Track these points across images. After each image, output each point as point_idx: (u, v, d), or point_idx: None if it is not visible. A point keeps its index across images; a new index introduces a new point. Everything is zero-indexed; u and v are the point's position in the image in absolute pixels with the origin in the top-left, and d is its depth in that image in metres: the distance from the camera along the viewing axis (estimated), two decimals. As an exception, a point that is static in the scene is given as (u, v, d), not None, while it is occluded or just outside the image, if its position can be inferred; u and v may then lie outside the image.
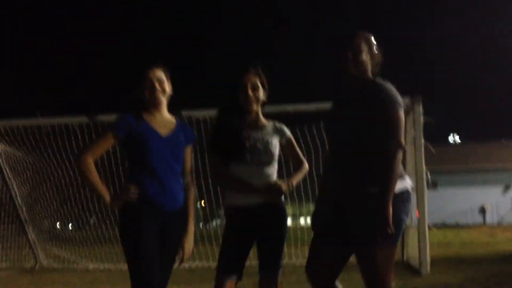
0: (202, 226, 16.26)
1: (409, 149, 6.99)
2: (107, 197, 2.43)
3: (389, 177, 2.22)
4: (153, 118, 2.58)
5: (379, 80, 2.39)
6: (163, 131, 2.56)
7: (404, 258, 7.53)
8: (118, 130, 2.50)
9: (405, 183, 2.34)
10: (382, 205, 2.19)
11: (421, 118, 6.39)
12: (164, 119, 2.62)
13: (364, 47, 2.43)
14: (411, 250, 7.28)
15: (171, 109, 2.67)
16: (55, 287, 5.97)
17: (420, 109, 6.40)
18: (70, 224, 10.51)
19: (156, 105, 2.59)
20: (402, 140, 2.28)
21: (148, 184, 2.45)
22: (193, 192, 2.71)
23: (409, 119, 6.76)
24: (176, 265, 2.61)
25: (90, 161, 2.43)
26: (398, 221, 2.26)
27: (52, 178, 8.63)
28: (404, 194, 2.32)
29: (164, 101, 2.61)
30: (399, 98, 2.33)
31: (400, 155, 2.26)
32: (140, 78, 2.58)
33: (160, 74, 2.59)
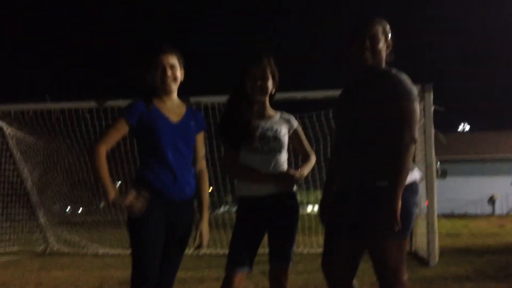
0: (210, 212, 16.37)
1: (419, 138, 6.94)
2: (111, 194, 2.32)
3: (401, 171, 2.18)
4: (164, 104, 2.53)
5: (394, 71, 2.34)
6: (174, 117, 2.52)
7: (413, 249, 7.51)
8: (130, 117, 2.43)
9: (413, 174, 2.31)
10: (391, 199, 2.16)
11: (431, 107, 6.32)
12: (174, 105, 2.58)
13: (382, 36, 2.37)
14: (420, 240, 7.26)
15: (181, 96, 2.64)
16: (65, 272, 6.04)
17: (431, 98, 6.34)
18: (80, 209, 10.62)
19: (167, 92, 2.54)
20: (416, 134, 2.24)
21: (158, 172, 2.42)
22: (206, 179, 2.67)
23: (420, 108, 6.71)
24: (191, 250, 2.59)
25: (103, 153, 2.36)
26: (408, 213, 2.24)
27: (62, 162, 8.71)
28: (413, 186, 2.29)
29: (175, 88, 2.57)
30: (414, 90, 2.28)
31: (412, 149, 2.22)
32: (153, 63, 2.51)
33: (173, 60, 2.53)
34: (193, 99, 7.04)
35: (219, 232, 8.44)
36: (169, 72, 2.50)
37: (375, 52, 2.36)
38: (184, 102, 2.64)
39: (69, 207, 10.02)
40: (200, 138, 2.65)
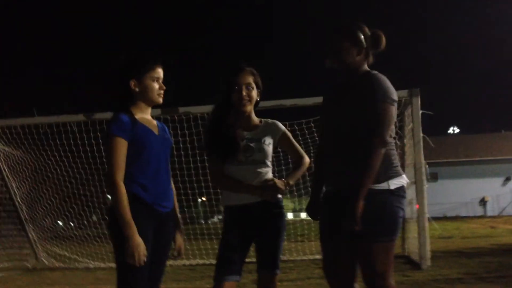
0: (204, 222, 16.25)
1: (408, 142, 6.98)
2: (135, 238, 2.24)
3: (366, 174, 2.18)
4: (144, 116, 2.48)
5: (374, 72, 2.33)
6: (155, 130, 2.49)
7: (405, 252, 7.52)
8: (123, 134, 2.32)
9: (401, 179, 2.31)
10: (352, 201, 2.16)
11: (419, 112, 6.36)
12: (150, 118, 2.54)
13: (345, 44, 2.35)
14: (412, 244, 7.27)
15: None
16: (55, 287, 5.96)
17: (418, 102, 6.38)
18: (71, 223, 10.51)
19: (155, 104, 2.52)
20: (387, 136, 2.22)
21: (149, 186, 2.38)
22: (174, 191, 2.62)
23: (408, 112, 6.75)
24: (170, 261, 2.58)
25: (122, 184, 2.28)
26: (395, 217, 2.25)
27: (51, 176, 8.62)
28: (400, 190, 2.29)
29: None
30: (391, 91, 2.25)
31: (381, 152, 2.20)
32: (148, 72, 2.42)
33: (162, 72, 2.49)
34: (182, 109, 7.03)
35: (211, 242, 8.40)
36: (161, 83, 2.47)
37: (341, 63, 2.38)
38: (170, 112, 2.63)
39: (60, 222, 9.91)
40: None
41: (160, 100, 2.50)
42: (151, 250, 2.37)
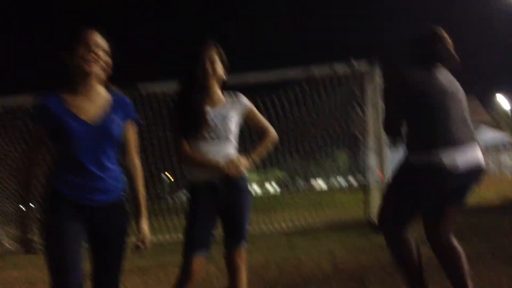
0: (169, 198, 16.23)
1: (370, 112, 7.12)
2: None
3: None
4: (80, 97, 2.16)
5: None
6: (92, 113, 2.16)
7: (368, 217, 7.75)
8: (36, 120, 2.14)
9: (430, 156, 2.50)
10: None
11: (379, 80, 6.48)
12: (95, 97, 2.19)
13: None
14: (374, 209, 7.51)
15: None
16: (21, 271, 5.85)
17: (376, 71, 6.49)
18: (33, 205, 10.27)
19: (86, 73, 2.14)
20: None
21: (69, 178, 2.11)
22: (139, 174, 2.33)
23: (369, 82, 6.86)
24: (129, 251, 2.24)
25: (36, 173, 2.17)
26: (413, 190, 2.58)
27: (6, 159, 8.38)
28: (428, 167, 2.51)
29: (98, 72, 2.17)
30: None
31: None
32: (78, 41, 2.14)
33: (99, 39, 2.17)
34: (142, 86, 6.89)
35: (178, 218, 8.41)
36: (93, 48, 2.14)
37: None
38: (110, 91, 2.26)
39: (21, 205, 9.65)
40: (130, 128, 2.31)
41: (88, 67, 2.13)
42: (93, 247, 2.19)
